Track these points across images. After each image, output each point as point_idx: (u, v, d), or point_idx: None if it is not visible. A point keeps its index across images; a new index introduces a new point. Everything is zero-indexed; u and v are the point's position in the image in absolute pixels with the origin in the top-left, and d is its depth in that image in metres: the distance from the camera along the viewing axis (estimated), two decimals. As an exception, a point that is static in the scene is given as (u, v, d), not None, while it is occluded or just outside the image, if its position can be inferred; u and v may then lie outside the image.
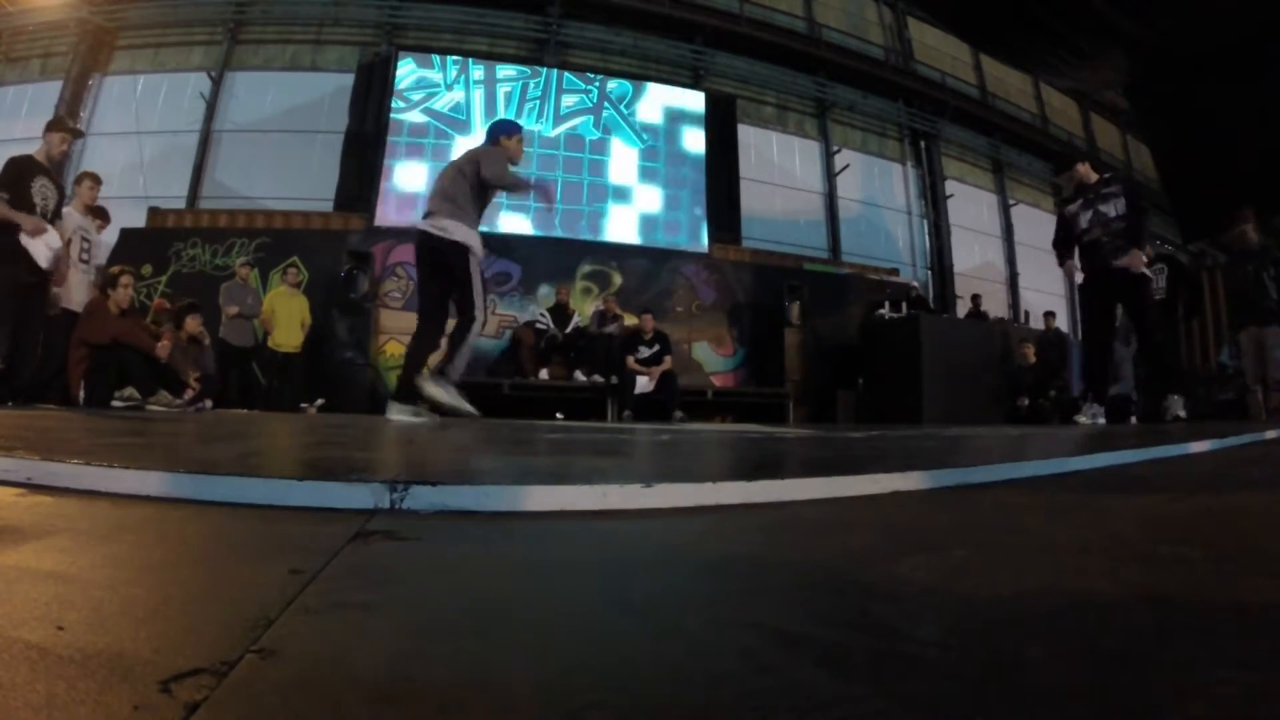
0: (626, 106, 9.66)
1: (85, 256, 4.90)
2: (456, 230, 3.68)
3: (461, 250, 3.69)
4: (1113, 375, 5.15)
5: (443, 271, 3.78)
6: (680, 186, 9.78)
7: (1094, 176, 4.81)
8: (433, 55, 9.37)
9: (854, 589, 0.62)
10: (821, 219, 11.48)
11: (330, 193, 9.16)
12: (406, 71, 9.17)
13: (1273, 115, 6.73)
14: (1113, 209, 4.63)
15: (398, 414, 3.57)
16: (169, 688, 0.37)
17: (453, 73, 9.30)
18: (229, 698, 0.36)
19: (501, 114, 9.23)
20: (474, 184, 3.75)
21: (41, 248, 4.15)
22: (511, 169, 3.92)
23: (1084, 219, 4.73)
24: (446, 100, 9.19)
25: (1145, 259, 4.61)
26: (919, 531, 0.94)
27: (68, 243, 4.74)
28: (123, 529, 0.79)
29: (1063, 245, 4.94)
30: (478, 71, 9.35)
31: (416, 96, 9.14)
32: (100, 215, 5.44)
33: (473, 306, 3.68)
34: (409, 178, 8.90)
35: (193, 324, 5.77)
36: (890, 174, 12.40)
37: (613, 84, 9.80)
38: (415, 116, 9.04)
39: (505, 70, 9.52)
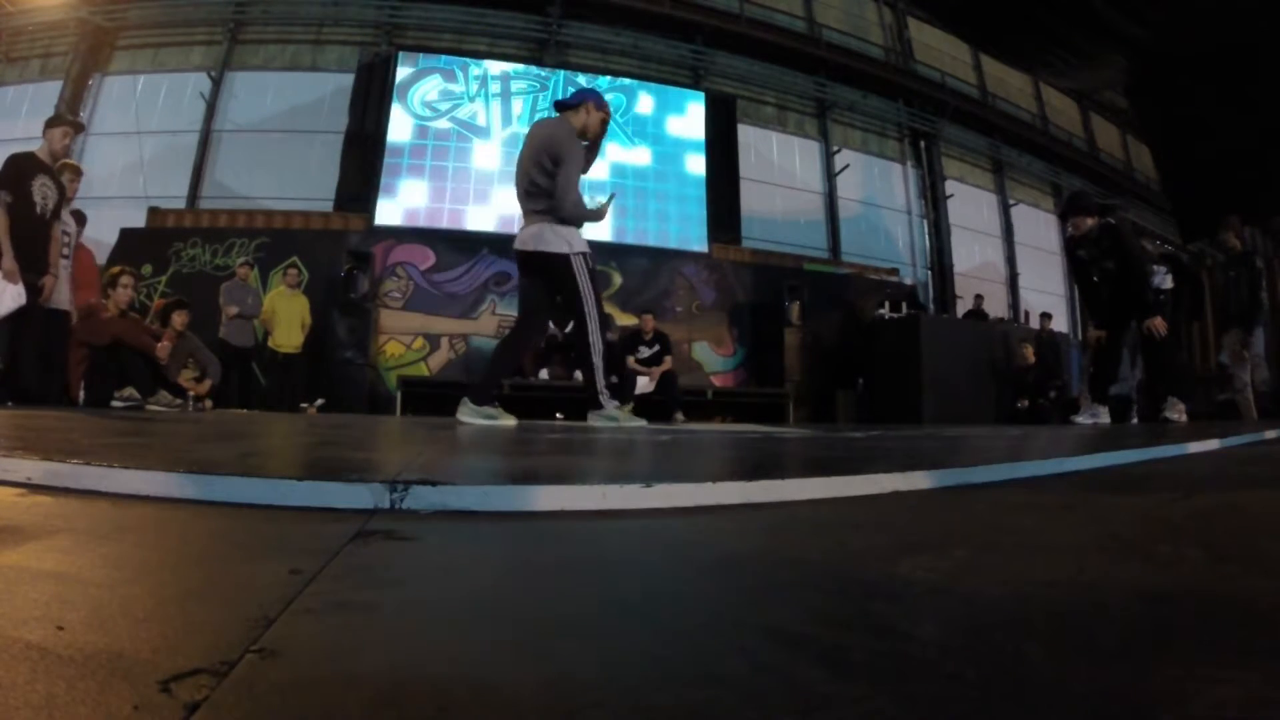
0: (622, 116, 9.69)
1: (65, 253, 4.86)
2: (550, 237, 3.35)
3: (560, 259, 3.35)
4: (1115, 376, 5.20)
5: (545, 282, 3.50)
6: (680, 186, 9.79)
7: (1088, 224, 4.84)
8: (455, 68, 9.44)
9: (854, 589, 0.62)
10: (821, 219, 11.48)
11: (330, 193, 9.17)
12: (432, 85, 9.31)
13: (1271, 115, 6.73)
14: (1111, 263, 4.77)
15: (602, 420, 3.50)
16: (169, 688, 0.37)
17: (474, 86, 9.39)
18: (229, 698, 0.36)
19: (515, 121, 9.27)
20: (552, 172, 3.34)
21: (7, 300, 4.01)
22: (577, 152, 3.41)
23: (1094, 270, 4.84)
24: (468, 110, 9.28)
25: (1164, 325, 4.76)
26: (919, 531, 0.94)
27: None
28: (123, 529, 0.79)
29: (1090, 299, 5.10)
30: (495, 85, 9.43)
31: (444, 106, 9.25)
32: (79, 220, 5.37)
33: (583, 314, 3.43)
34: (411, 179, 8.92)
35: (179, 319, 5.75)
36: (890, 174, 12.41)
37: (610, 97, 9.81)
38: (441, 123, 9.20)
39: (518, 84, 9.57)
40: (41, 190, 4.24)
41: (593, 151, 3.63)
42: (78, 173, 5.04)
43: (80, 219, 5.34)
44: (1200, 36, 6.54)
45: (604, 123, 3.56)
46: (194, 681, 0.37)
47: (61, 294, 4.71)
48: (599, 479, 1.08)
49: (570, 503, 0.97)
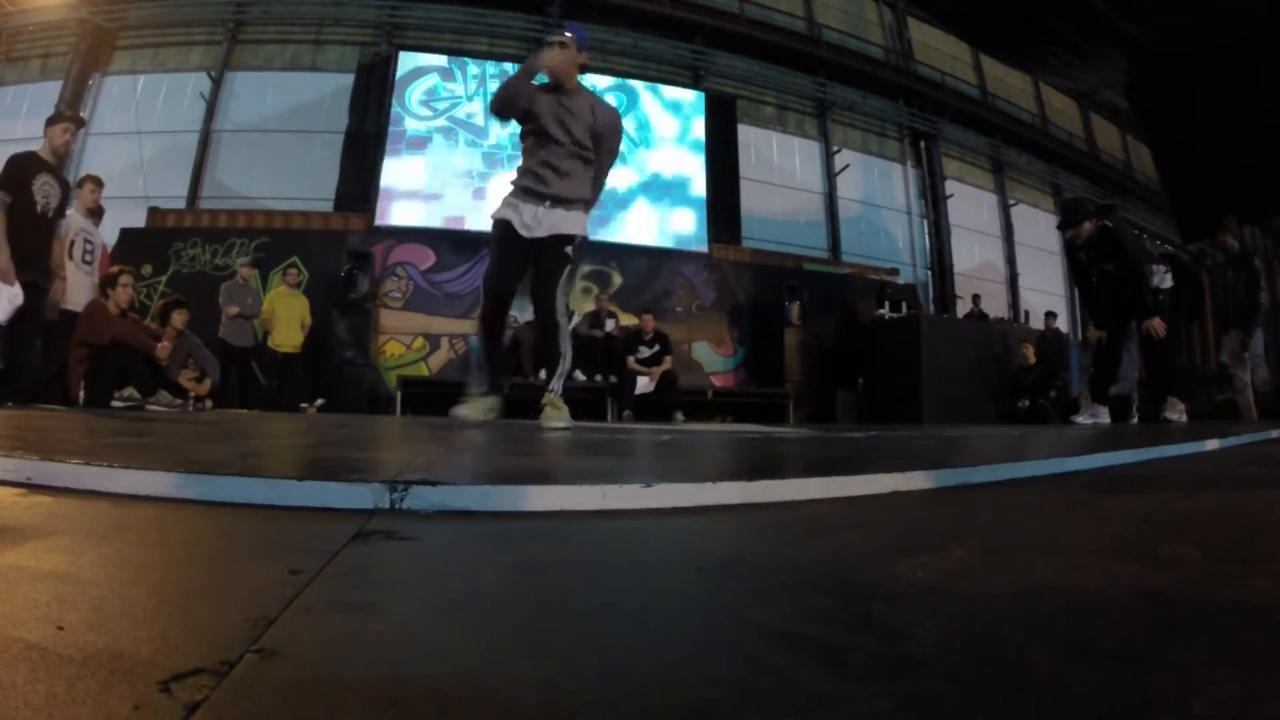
0: (621, 114, 9.70)
1: (88, 258, 4.89)
2: (582, 219, 3.22)
3: (575, 241, 3.21)
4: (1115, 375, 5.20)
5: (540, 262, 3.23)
6: (680, 186, 9.79)
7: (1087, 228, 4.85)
8: (454, 67, 9.44)
9: (854, 589, 0.62)
10: (821, 219, 11.48)
11: (330, 193, 9.17)
12: (433, 84, 9.31)
13: (1271, 116, 6.73)
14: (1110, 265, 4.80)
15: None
16: (169, 688, 0.37)
17: (472, 85, 9.39)
18: (229, 698, 0.36)
19: (513, 120, 9.32)
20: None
21: (3, 301, 3.97)
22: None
23: (1093, 272, 4.86)
24: (466, 110, 9.29)
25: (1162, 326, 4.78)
26: (919, 531, 0.94)
27: (70, 244, 4.73)
28: (123, 529, 0.79)
29: (1090, 300, 5.15)
30: (494, 84, 9.45)
31: (443, 106, 9.25)
32: (96, 214, 5.43)
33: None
34: (410, 178, 8.92)
35: (179, 319, 5.76)
36: (890, 174, 12.40)
37: (609, 97, 9.83)
38: (440, 122, 9.19)
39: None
40: (43, 190, 4.22)
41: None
42: (99, 184, 5.07)
43: (98, 213, 5.40)
44: (1201, 36, 6.53)
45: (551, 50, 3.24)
46: (194, 681, 0.37)
47: (80, 297, 4.72)
48: (599, 479, 1.08)
49: (570, 503, 0.97)
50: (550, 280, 3.20)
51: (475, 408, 3.18)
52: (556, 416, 3.21)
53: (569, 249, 3.20)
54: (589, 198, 3.26)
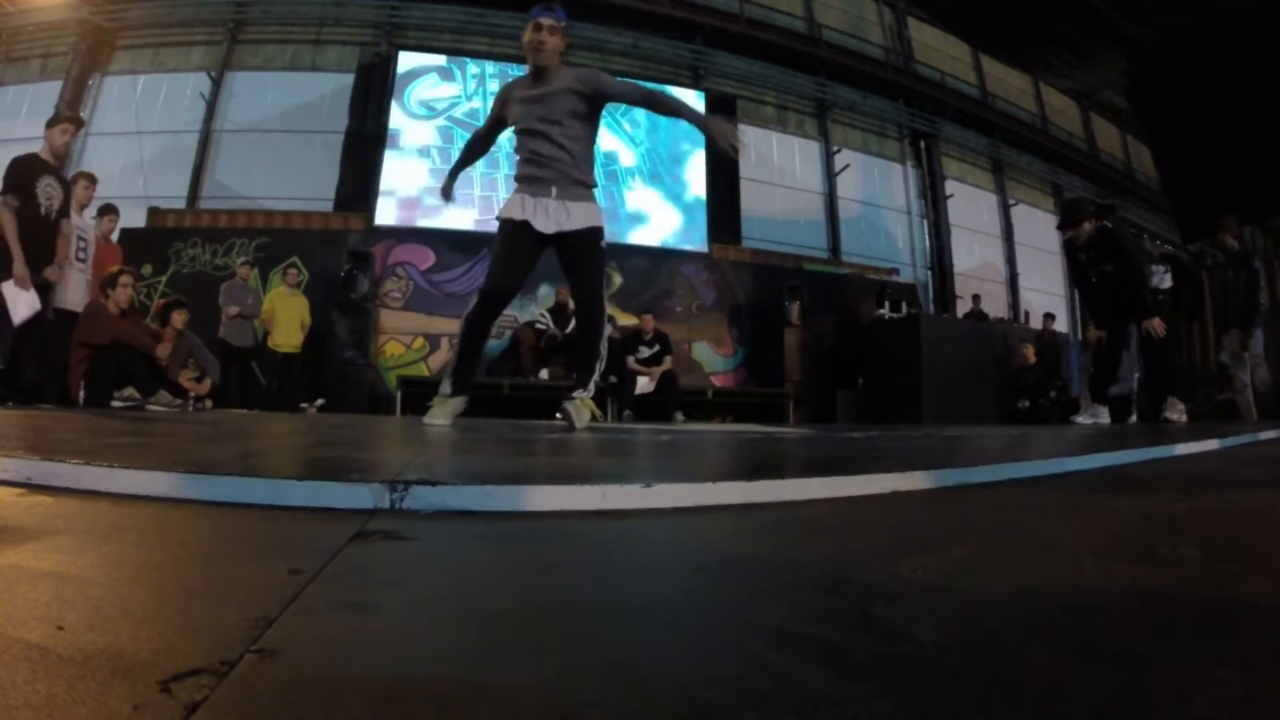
0: (622, 116, 9.69)
1: (82, 256, 4.89)
2: (598, 210, 3.10)
3: (600, 232, 3.09)
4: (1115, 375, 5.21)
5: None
6: (680, 186, 9.79)
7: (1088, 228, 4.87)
8: (453, 67, 9.43)
9: (854, 589, 0.62)
10: (821, 219, 11.48)
11: (330, 193, 9.17)
12: (433, 84, 9.30)
13: (1271, 116, 6.73)
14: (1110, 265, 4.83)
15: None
16: (169, 688, 0.37)
17: (472, 84, 9.39)
18: (229, 698, 0.36)
19: None
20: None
21: (22, 306, 3.99)
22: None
23: (1093, 273, 4.88)
24: (466, 109, 9.28)
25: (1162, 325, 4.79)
26: (919, 531, 0.94)
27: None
28: (123, 529, 0.79)
29: (1090, 300, 5.18)
30: (493, 84, 9.45)
31: (441, 105, 9.25)
32: (109, 211, 5.48)
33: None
34: (411, 179, 8.92)
35: (179, 319, 5.76)
36: (890, 174, 12.40)
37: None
38: (439, 122, 9.17)
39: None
40: (46, 191, 4.24)
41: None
42: (93, 180, 5.09)
43: (110, 210, 5.47)
44: (1201, 36, 6.54)
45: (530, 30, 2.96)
46: (194, 682, 0.37)
47: (76, 296, 4.72)
48: (599, 479, 1.08)
49: (570, 503, 0.97)
50: (595, 278, 3.11)
51: (442, 411, 2.99)
52: (589, 416, 3.18)
53: (602, 243, 3.11)
54: (588, 180, 3.12)
